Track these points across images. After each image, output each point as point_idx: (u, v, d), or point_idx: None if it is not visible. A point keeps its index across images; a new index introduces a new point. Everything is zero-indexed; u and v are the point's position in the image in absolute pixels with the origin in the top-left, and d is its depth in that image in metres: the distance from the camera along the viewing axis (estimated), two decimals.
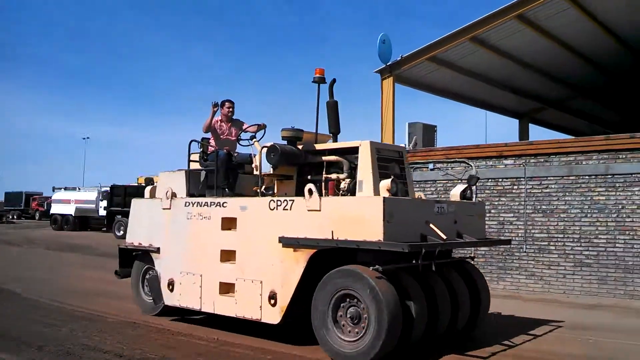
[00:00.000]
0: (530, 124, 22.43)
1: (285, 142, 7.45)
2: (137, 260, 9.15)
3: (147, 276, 8.97)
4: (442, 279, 6.90)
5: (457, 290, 7.00)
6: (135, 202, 9.24)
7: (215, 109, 8.23)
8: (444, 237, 6.44)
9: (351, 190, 7.04)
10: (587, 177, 11.04)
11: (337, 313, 6.39)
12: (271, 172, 7.47)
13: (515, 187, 11.83)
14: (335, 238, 6.36)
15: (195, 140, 8.45)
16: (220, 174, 8.00)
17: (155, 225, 8.58)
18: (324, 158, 7.48)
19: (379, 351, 5.94)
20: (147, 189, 9.23)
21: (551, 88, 19.49)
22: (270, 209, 7.08)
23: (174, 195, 8.33)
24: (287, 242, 6.79)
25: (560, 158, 11.38)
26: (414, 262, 6.32)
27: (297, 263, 6.73)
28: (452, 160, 12.46)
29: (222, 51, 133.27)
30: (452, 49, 14.82)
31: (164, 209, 8.43)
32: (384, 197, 6.14)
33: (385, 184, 6.39)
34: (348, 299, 6.28)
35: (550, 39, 15.15)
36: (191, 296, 7.93)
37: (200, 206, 7.93)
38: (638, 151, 10.68)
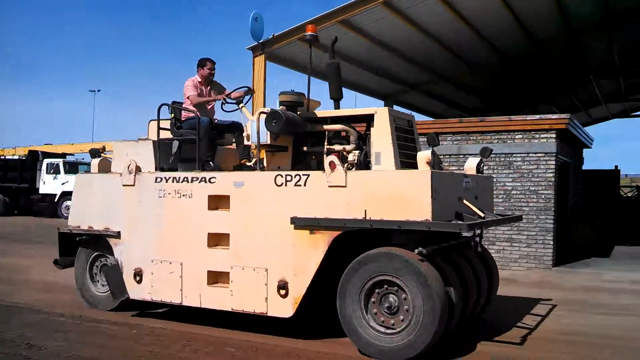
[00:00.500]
0: (394, 105, 22.87)
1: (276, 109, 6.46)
2: (82, 247, 7.69)
3: (98, 265, 7.59)
4: (467, 261, 6.33)
5: (479, 272, 6.48)
6: (81, 178, 7.77)
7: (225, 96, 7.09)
8: (482, 214, 5.85)
9: (361, 164, 6.22)
10: (441, 156, 11.25)
11: (369, 301, 5.61)
12: (268, 142, 6.42)
13: None
14: (368, 218, 5.54)
15: (167, 104, 7.13)
16: (204, 144, 6.78)
17: (112, 206, 7.18)
18: (325, 127, 6.57)
19: (429, 343, 5.26)
20: (95, 162, 7.76)
21: (414, 72, 19.99)
22: (278, 185, 6.07)
23: (138, 169, 7.00)
24: (303, 224, 5.85)
25: (420, 138, 11.55)
26: (450, 242, 5.69)
27: (315, 247, 5.82)
28: None
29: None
30: (323, 30, 14.64)
31: (125, 185, 7.07)
32: (431, 172, 5.40)
33: (425, 156, 5.65)
34: (386, 286, 5.51)
35: (414, 26, 15.35)
36: (168, 288, 6.72)
37: (178, 182, 6.69)
38: (487, 134, 11.81)
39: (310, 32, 6.98)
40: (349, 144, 6.43)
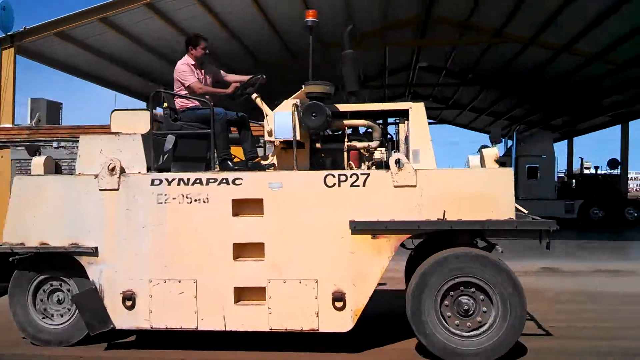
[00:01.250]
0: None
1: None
2: (20, 271, 5.98)
3: (46, 291, 5.97)
4: None
5: None
6: (24, 182, 5.98)
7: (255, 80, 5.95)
8: (526, 211, 5.97)
9: (386, 162, 5.89)
10: None
11: (442, 303, 5.34)
12: (298, 138, 5.69)
13: None
14: (444, 219, 5.26)
15: (164, 91, 5.84)
16: (222, 139, 5.73)
17: (82, 215, 5.70)
18: (346, 122, 6.08)
19: (513, 344, 5.23)
20: (38, 161, 6.07)
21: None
22: (329, 187, 5.42)
23: (122, 170, 5.65)
24: (364, 228, 5.32)
25: None
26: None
27: (379, 253, 5.34)
28: (77, 139, 11.86)
29: None
30: (82, 26, 14.52)
31: (104, 190, 5.66)
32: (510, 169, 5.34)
33: (493, 153, 5.56)
34: (462, 287, 5.29)
35: (175, 29, 15.45)
36: (175, 312, 5.57)
37: (187, 184, 5.56)
38: None
39: (312, 18, 6.23)
40: (371, 140, 6.04)
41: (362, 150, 6.09)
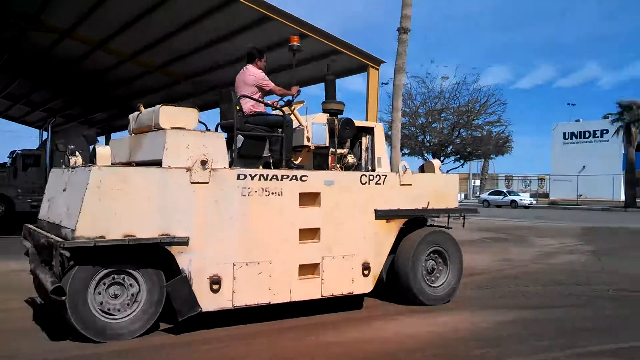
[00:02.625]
0: None
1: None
2: (81, 266, 5.63)
3: (105, 284, 5.79)
4: None
5: None
6: (106, 173, 5.58)
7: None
8: None
9: (359, 165, 8.03)
10: None
11: (423, 265, 7.75)
12: (327, 144, 7.30)
13: None
14: (430, 208, 7.75)
15: (247, 96, 6.34)
16: (289, 141, 6.67)
17: (175, 207, 5.89)
18: None
19: (457, 288, 8.07)
20: (105, 152, 5.76)
21: None
22: (362, 184, 7.21)
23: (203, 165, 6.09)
24: (383, 215, 7.35)
25: None
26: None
27: (389, 233, 7.45)
28: None
29: None
30: None
31: (195, 182, 6.00)
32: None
33: (438, 164, 8.26)
34: (431, 254, 7.84)
35: None
36: (254, 290, 6.39)
37: (266, 180, 6.45)
38: None
39: (296, 43, 7.71)
40: (343, 148, 7.98)
41: (339, 155, 7.85)
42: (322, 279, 6.89)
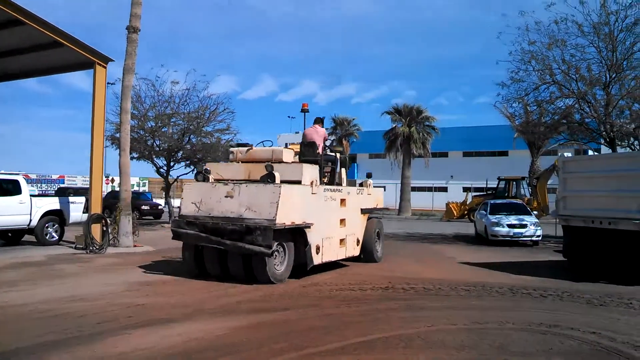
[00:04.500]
0: None
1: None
2: (274, 239, 10.18)
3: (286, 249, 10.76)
4: None
5: None
6: (286, 188, 10.26)
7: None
8: None
9: (332, 181, 13.70)
10: None
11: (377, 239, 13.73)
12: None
13: None
14: (377, 207, 13.86)
15: (331, 147, 12.03)
16: (341, 172, 12.13)
17: (307, 206, 10.94)
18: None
19: (382, 251, 14.27)
20: (276, 174, 10.56)
21: None
22: (357, 194, 13.03)
23: (314, 183, 11.20)
24: (364, 211, 13.32)
25: None
26: None
27: (364, 221, 13.48)
28: None
29: None
30: None
31: (312, 193, 11.08)
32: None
33: (371, 181, 14.31)
34: (377, 233, 13.91)
35: None
36: (329, 253, 11.74)
37: (331, 192, 11.77)
38: None
39: (305, 107, 13.34)
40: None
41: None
42: (346, 248, 12.45)
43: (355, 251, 13.16)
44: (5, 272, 11.48)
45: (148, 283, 10.46)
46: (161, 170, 27.75)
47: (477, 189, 42.57)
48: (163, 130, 26.55)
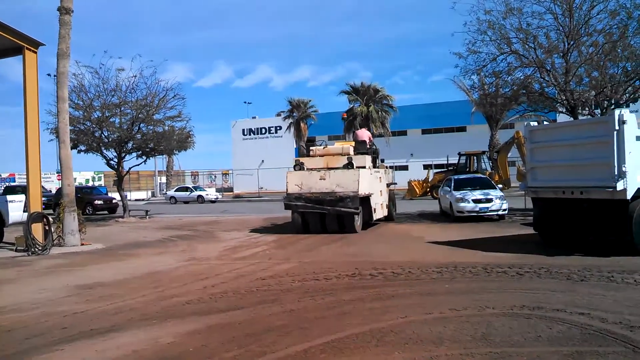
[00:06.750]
0: None
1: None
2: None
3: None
4: None
5: None
6: (362, 171, 16.51)
7: None
8: None
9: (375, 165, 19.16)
10: None
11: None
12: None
13: None
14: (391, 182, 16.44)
15: (369, 143, 18.81)
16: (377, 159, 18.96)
17: (369, 182, 17.09)
18: None
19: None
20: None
21: None
22: (384, 173, 19.57)
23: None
24: (388, 185, 20.55)
25: None
26: None
27: (387, 192, 19.65)
28: None
29: None
30: None
31: (370, 174, 17.13)
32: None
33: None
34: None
35: None
36: (378, 213, 18.34)
37: (377, 172, 18.43)
38: None
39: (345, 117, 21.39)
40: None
41: None
42: (383, 210, 18.55)
43: (385, 213, 18.98)
44: None
45: (90, 286, 9.46)
46: (111, 162, 26.49)
47: (437, 166, 42.42)
48: (111, 120, 25.35)
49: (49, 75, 43.78)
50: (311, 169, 16.86)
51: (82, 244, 15.24)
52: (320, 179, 16.12)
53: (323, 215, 16.26)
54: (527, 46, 19.63)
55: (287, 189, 16.68)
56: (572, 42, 19.02)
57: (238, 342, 5.86)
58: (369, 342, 5.64)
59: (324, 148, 18.25)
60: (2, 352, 5.84)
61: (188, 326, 6.60)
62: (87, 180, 59.78)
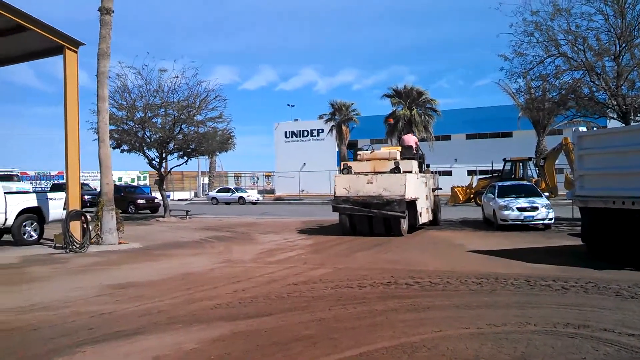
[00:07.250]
0: None
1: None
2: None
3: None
4: None
5: None
6: (408, 176, 16.76)
7: None
8: None
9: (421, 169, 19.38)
10: None
11: None
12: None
13: None
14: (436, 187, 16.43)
15: (416, 146, 19.29)
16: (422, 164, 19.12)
17: (415, 187, 17.51)
18: None
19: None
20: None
21: None
22: (430, 178, 19.65)
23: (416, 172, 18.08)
24: (433, 189, 20.44)
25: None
26: None
27: (433, 196, 19.77)
28: None
29: None
30: None
31: (417, 179, 17.36)
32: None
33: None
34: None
35: None
36: (424, 217, 18.62)
37: (423, 177, 18.58)
38: None
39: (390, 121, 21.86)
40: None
41: None
42: (428, 215, 18.79)
43: (430, 217, 19.09)
44: None
45: (122, 286, 9.42)
46: (154, 162, 26.79)
47: (482, 172, 41.41)
48: (153, 120, 25.46)
49: (96, 76, 44.74)
50: (358, 173, 17.14)
51: (120, 243, 15.33)
52: (368, 183, 16.38)
53: (370, 217, 16.48)
54: (576, 48, 18.86)
55: (334, 192, 17.01)
56: (624, 45, 18.21)
57: (262, 350, 5.66)
58: (400, 357, 5.33)
59: (371, 152, 18.61)
60: (22, 352, 5.77)
61: (213, 332, 6.43)
62: (133, 180, 60.63)
